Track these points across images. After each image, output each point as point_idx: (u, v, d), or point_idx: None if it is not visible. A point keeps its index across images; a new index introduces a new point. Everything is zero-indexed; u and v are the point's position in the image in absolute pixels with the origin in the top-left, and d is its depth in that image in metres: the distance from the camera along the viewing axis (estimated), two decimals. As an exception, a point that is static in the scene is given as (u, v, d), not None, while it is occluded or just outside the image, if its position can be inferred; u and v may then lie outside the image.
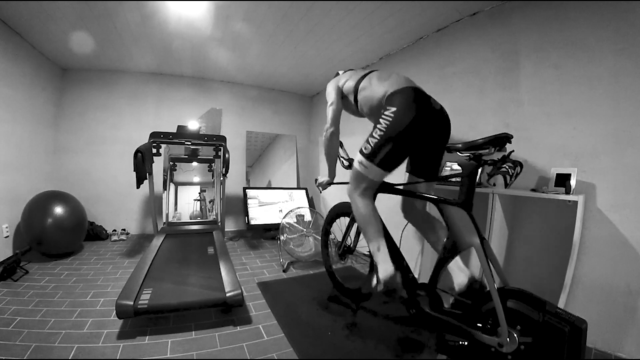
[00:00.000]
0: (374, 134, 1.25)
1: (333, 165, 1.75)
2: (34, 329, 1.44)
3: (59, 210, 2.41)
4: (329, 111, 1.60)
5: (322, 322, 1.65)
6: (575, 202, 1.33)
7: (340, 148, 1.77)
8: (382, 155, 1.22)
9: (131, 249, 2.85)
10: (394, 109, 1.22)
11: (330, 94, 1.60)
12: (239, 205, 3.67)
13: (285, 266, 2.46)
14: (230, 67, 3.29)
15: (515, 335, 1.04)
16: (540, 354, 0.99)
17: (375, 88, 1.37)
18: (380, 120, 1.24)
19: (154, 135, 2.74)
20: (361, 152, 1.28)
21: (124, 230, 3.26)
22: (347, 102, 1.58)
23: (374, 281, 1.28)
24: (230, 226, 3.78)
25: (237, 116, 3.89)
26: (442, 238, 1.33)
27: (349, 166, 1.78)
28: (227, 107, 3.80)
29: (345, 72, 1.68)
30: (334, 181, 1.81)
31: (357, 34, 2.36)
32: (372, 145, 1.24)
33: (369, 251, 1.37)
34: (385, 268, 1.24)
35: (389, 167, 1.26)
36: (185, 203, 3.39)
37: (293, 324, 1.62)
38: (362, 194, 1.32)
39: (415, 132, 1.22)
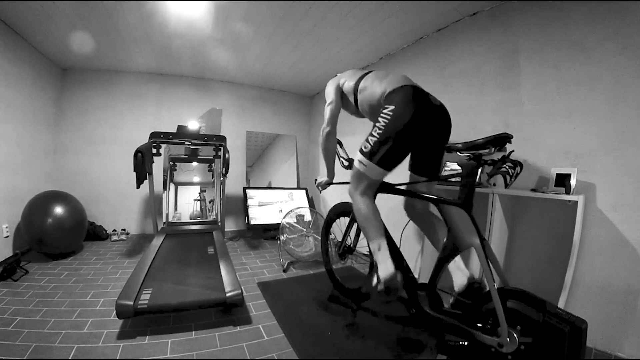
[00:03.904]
0: (373, 133, 1.25)
1: (331, 165, 1.75)
2: (34, 329, 1.44)
3: (59, 210, 2.41)
4: (327, 110, 1.59)
5: (322, 322, 1.65)
6: (575, 202, 1.33)
7: (339, 148, 1.77)
8: (382, 154, 1.22)
9: (131, 249, 2.85)
10: (392, 107, 1.22)
11: (330, 94, 1.60)
12: (239, 205, 3.67)
13: (285, 266, 2.46)
14: (230, 67, 3.29)
15: (515, 335, 1.04)
16: (540, 354, 0.99)
17: (374, 87, 1.37)
18: (379, 119, 1.24)
19: (154, 135, 2.74)
20: (361, 151, 1.28)
21: (124, 230, 3.26)
22: (347, 102, 1.57)
23: (374, 280, 1.28)
24: (230, 226, 3.78)
25: (237, 116, 3.89)
26: (443, 237, 1.32)
27: (349, 166, 1.78)
28: (227, 107, 3.80)
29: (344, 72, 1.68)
30: (333, 181, 1.81)
31: (357, 34, 2.36)
32: (372, 144, 1.24)
33: (369, 251, 1.37)
34: (386, 267, 1.24)
35: (389, 165, 1.26)
36: (185, 203, 3.38)
37: (293, 324, 1.62)
38: (362, 194, 1.32)
39: (414, 129, 1.21)
